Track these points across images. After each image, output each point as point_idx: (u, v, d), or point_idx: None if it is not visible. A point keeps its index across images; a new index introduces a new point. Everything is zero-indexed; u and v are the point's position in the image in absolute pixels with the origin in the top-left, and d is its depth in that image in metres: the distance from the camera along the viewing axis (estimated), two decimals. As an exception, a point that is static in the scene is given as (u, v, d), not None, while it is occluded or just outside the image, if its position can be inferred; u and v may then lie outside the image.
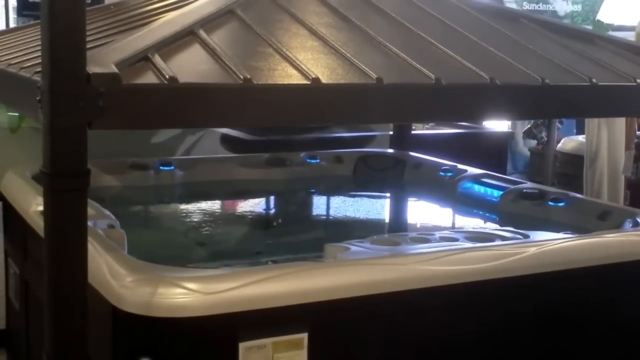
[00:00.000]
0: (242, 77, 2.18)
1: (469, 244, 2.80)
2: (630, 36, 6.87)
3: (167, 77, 2.10)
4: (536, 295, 2.73)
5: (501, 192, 4.02)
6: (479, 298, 2.62)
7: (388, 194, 4.88)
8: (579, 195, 3.99)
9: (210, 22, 2.53)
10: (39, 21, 2.12)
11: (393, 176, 4.72)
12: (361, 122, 2.42)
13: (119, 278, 2.34)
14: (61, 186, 2.02)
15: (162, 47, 2.29)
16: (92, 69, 2.00)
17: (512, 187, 4.02)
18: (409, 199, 4.78)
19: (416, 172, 4.65)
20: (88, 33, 2.07)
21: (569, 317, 2.81)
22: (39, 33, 2.07)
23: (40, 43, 2.06)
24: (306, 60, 2.38)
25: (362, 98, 2.38)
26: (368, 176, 4.79)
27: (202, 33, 2.43)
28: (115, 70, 2.04)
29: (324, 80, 2.29)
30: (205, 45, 2.37)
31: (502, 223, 3.85)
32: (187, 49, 2.36)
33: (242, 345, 2.26)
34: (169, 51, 2.29)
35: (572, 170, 6.56)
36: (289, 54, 2.39)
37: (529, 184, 4.12)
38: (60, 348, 2.07)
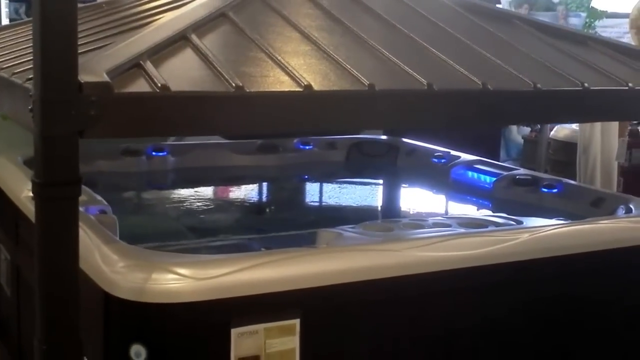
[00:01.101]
0: (234, 84, 2.18)
1: (462, 230, 2.80)
2: (624, 23, 6.86)
3: (159, 85, 2.09)
4: (529, 282, 2.73)
5: (494, 179, 4.02)
6: (472, 284, 2.62)
7: (381, 181, 4.88)
8: (572, 182, 3.99)
9: (203, 26, 2.52)
10: (31, 19, 2.10)
11: (386, 162, 4.72)
12: (354, 129, 2.40)
13: (111, 264, 2.33)
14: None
15: (154, 54, 2.28)
16: (84, 77, 1.99)
17: (505, 173, 4.02)
18: (402, 185, 4.78)
19: (409, 159, 4.65)
20: (79, 35, 2.05)
21: (562, 304, 2.81)
22: (31, 33, 2.05)
23: (32, 45, 2.05)
24: (298, 66, 2.37)
25: (355, 105, 2.38)
26: (361, 162, 4.79)
27: (194, 38, 2.42)
28: (107, 79, 2.03)
29: (316, 87, 2.28)
30: (197, 50, 2.37)
31: (495, 209, 3.85)
32: (179, 55, 2.35)
33: (235, 331, 2.25)
34: (161, 57, 2.28)
35: (565, 157, 6.56)
36: (281, 60, 2.38)
37: (522, 171, 4.12)
38: (52, 334, 2.06)
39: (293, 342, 2.34)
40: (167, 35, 2.39)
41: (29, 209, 2.93)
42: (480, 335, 2.69)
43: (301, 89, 2.26)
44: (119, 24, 2.79)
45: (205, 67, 2.29)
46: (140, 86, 2.11)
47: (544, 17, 8.80)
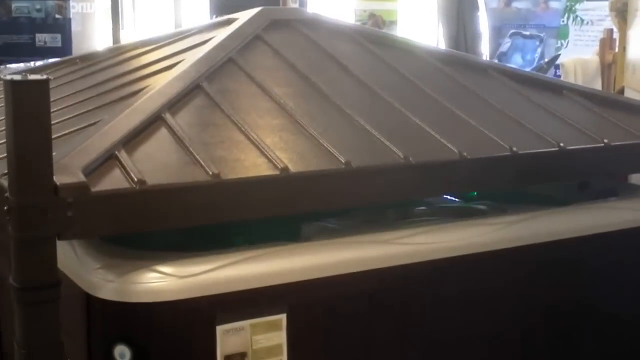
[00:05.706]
0: (211, 172, 2.17)
1: (447, 219, 2.78)
2: (604, 6, 6.85)
3: (135, 179, 2.08)
4: (517, 269, 2.71)
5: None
6: (459, 273, 2.60)
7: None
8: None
9: (178, 102, 2.51)
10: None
11: None
12: (332, 208, 2.42)
13: (91, 264, 2.30)
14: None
15: (129, 141, 2.26)
16: (59, 178, 1.97)
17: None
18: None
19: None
20: (52, 108, 2.03)
21: (549, 290, 2.79)
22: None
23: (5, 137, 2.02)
24: (274, 144, 2.37)
25: (332, 185, 2.37)
26: None
27: (169, 117, 2.41)
28: (83, 178, 2.01)
29: (292, 168, 2.27)
30: (172, 132, 2.35)
31: (479, 196, 3.83)
32: (155, 139, 2.33)
33: (220, 328, 2.23)
34: (136, 143, 2.27)
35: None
36: (257, 137, 2.38)
37: None
38: (32, 337, 2.04)
39: (280, 338, 2.31)
40: (142, 118, 2.37)
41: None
42: (469, 325, 2.67)
43: (278, 172, 2.26)
44: (94, 93, 2.78)
45: (181, 152, 2.28)
46: (116, 181, 2.10)
47: (524, 2, 8.78)
